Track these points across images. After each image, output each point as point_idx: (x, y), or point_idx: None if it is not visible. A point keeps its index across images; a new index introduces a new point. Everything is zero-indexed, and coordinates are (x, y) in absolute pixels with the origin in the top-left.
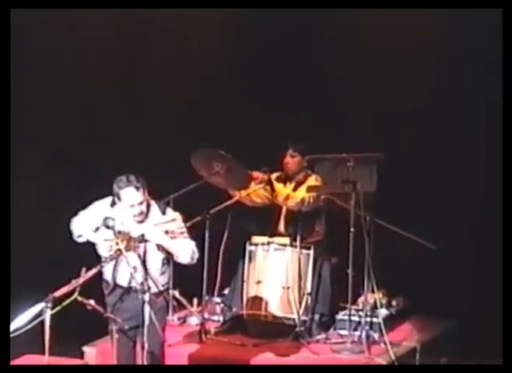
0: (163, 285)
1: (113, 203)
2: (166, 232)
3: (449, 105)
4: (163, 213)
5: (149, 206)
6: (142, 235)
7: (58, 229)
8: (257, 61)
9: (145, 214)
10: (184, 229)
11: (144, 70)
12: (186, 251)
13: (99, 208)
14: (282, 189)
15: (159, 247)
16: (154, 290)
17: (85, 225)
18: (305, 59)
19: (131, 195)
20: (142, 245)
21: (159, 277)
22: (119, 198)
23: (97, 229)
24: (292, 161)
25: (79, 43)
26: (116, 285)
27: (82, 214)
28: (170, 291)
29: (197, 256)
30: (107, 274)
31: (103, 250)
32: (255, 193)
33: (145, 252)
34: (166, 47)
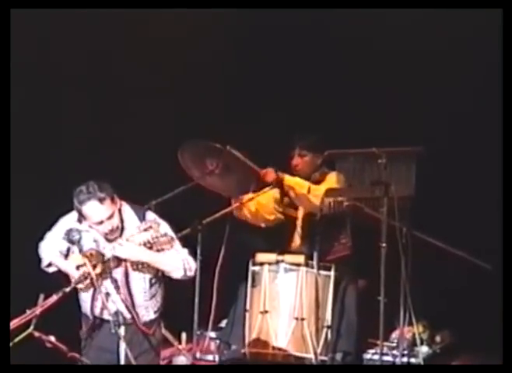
0: (155, 311)
1: (80, 219)
2: (146, 244)
3: (448, 105)
4: (143, 219)
5: (122, 216)
6: (116, 257)
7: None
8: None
9: (120, 228)
10: (170, 236)
11: (142, 68)
12: (175, 263)
13: (66, 226)
14: (301, 182)
15: (143, 264)
16: (144, 318)
17: (52, 250)
18: (320, 38)
19: (95, 210)
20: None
21: (149, 302)
22: (82, 215)
23: (67, 252)
24: (302, 162)
25: (79, 44)
26: (94, 317)
27: (49, 236)
28: None
29: (193, 266)
30: (84, 299)
31: (78, 281)
32: (266, 208)
33: (126, 274)
34: (166, 46)
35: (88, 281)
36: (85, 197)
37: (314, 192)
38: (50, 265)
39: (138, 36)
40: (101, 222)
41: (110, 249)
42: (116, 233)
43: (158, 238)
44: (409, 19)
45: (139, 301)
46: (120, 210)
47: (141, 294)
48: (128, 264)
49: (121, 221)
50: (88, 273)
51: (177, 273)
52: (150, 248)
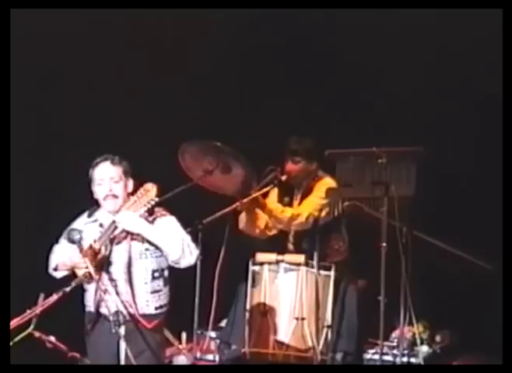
0: (156, 307)
1: (90, 213)
2: (143, 213)
3: (448, 105)
4: (150, 213)
5: (126, 191)
6: (113, 222)
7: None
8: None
9: (121, 200)
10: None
11: (143, 68)
12: (174, 242)
13: (78, 225)
14: (282, 210)
15: (146, 249)
16: (144, 311)
17: (63, 252)
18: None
19: (103, 169)
20: (124, 253)
21: (150, 296)
22: (91, 180)
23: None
24: (296, 168)
25: (79, 43)
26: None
27: (62, 241)
28: None
29: (193, 251)
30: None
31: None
32: (263, 221)
33: (129, 262)
34: (166, 46)
35: (88, 278)
36: (101, 160)
37: (297, 217)
38: (56, 269)
39: (138, 36)
40: (102, 180)
41: (112, 222)
42: (116, 204)
43: (150, 202)
44: (409, 19)
45: (140, 292)
46: (126, 186)
47: (142, 285)
48: (132, 250)
49: (124, 196)
50: (87, 273)
51: (175, 254)
52: (147, 218)
